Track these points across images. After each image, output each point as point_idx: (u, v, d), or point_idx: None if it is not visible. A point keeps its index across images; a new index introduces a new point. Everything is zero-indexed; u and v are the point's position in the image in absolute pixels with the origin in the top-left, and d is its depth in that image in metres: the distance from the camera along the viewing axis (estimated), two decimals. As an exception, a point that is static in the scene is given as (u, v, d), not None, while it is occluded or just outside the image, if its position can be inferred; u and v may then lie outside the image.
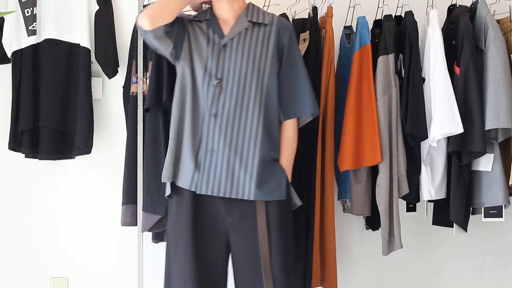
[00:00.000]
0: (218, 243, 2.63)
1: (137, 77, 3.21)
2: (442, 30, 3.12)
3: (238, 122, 2.61)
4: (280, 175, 2.64)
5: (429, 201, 3.25)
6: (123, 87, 3.37)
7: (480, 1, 3.16)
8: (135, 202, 3.20)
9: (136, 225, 3.20)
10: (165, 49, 2.71)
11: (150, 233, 3.25)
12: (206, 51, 2.68)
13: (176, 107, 2.70)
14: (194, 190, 2.62)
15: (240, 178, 2.59)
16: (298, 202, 2.71)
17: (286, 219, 2.66)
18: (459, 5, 3.24)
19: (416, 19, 3.13)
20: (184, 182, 2.64)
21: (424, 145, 3.12)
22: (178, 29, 2.71)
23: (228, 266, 2.67)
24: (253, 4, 2.77)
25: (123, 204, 3.24)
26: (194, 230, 2.62)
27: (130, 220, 3.22)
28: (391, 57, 3.08)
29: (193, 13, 2.85)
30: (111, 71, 3.41)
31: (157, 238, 3.24)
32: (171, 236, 2.69)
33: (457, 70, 3.10)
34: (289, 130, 2.70)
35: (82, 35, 3.36)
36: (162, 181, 2.70)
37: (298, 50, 2.75)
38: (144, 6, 3.22)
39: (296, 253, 3.13)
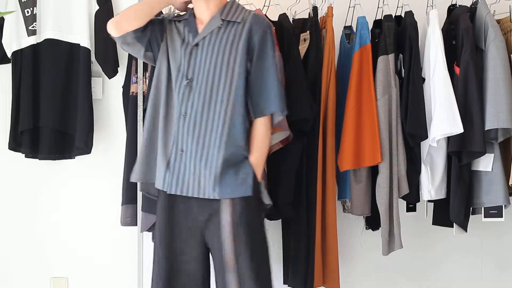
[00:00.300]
0: (194, 242, 2.63)
1: (137, 77, 3.21)
2: (442, 30, 3.12)
3: (206, 122, 2.60)
4: (246, 173, 2.61)
5: (429, 201, 3.25)
6: (122, 87, 3.37)
7: (480, 1, 3.16)
8: (134, 202, 3.20)
9: (136, 225, 3.20)
10: (136, 53, 2.76)
11: (150, 232, 3.25)
12: (180, 51, 2.69)
13: (149, 107, 2.73)
14: (165, 190, 2.65)
15: (205, 178, 2.59)
16: (267, 201, 2.69)
17: (254, 216, 2.63)
18: (459, 5, 3.24)
19: (416, 19, 3.13)
20: (158, 183, 2.69)
21: (424, 145, 3.12)
22: (153, 32, 2.72)
23: (209, 265, 2.69)
24: (233, 2, 2.74)
25: (122, 204, 3.25)
26: (168, 230, 2.65)
27: (130, 220, 3.23)
28: (391, 57, 3.08)
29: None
30: (111, 71, 3.41)
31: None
32: (155, 236, 2.77)
33: (457, 70, 3.10)
34: (259, 128, 2.66)
35: (82, 35, 3.36)
36: (130, 180, 2.79)
37: (271, 48, 2.67)
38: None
39: (297, 253, 3.14)
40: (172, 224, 2.65)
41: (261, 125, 2.66)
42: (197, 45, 2.66)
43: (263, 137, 2.67)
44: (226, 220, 2.58)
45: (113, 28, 2.68)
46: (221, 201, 2.60)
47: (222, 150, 2.58)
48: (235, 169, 2.60)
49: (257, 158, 2.64)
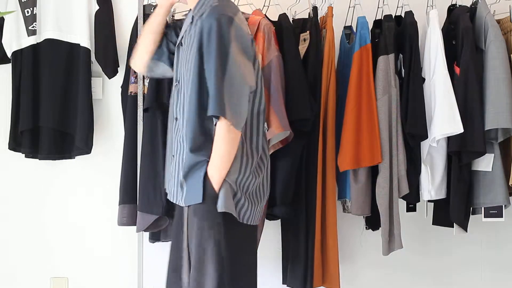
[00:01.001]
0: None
1: (135, 77, 3.21)
2: (442, 30, 3.12)
3: (184, 126, 2.52)
4: (197, 180, 2.47)
5: (429, 201, 3.25)
6: (121, 86, 3.37)
7: (480, 1, 3.17)
8: (131, 201, 3.20)
9: (133, 224, 3.20)
10: (166, 72, 2.73)
11: (147, 233, 3.25)
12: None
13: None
14: None
15: (179, 184, 2.54)
16: (219, 208, 2.44)
17: (202, 227, 2.48)
18: (459, 5, 3.24)
19: (416, 19, 3.13)
20: None
21: (424, 145, 3.12)
22: (170, 44, 2.69)
23: None
24: None
25: (119, 203, 3.24)
26: (174, 234, 2.67)
27: (126, 219, 3.22)
28: (391, 57, 3.08)
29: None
30: (111, 71, 3.40)
31: (153, 238, 3.23)
32: None
33: (457, 70, 3.10)
34: (216, 133, 2.44)
35: (82, 35, 3.36)
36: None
37: (217, 44, 2.40)
38: (144, 6, 3.22)
39: (296, 253, 3.14)
40: (176, 228, 2.65)
41: (217, 129, 2.44)
42: (181, 44, 2.60)
43: (217, 143, 2.44)
44: (184, 229, 2.53)
45: (136, 69, 2.75)
46: (183, 208, 2.54)
47: (187, 157, 2.50)
48: (197, 176, 2.48)
49: (211, 165, 2.45)
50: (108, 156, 3.50)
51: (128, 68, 3.31)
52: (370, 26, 3.18)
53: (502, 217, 3.16)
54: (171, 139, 2.62)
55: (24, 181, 3.53)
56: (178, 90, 2.57)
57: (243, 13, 3.19)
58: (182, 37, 2.60)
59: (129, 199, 3.20)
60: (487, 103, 3.06)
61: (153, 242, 3.25)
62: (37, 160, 3.41)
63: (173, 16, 3.27)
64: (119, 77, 3.41)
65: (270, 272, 3.46)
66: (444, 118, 3.00)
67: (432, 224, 3.34)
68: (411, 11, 3.16)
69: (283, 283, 3.24)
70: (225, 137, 2.43)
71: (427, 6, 3.21)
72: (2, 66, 3.44)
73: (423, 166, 3.12)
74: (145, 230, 3.15)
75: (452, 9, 3.27)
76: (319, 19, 3.21)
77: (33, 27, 3.36)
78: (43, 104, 3.34)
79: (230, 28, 2.43)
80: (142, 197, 3.12)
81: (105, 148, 3.51)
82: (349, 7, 3.30)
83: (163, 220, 3.13)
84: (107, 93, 3.53)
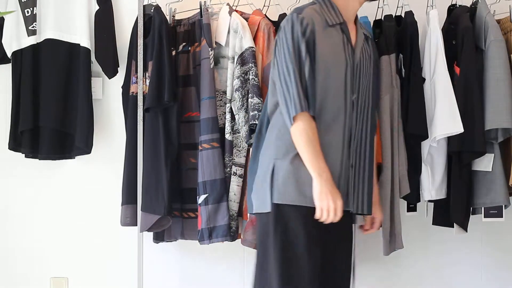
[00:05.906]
0: None
1: (136, 77, 3.21)
2: (442, 30, 3.12)
3: (370, 136, 2.63)
4: None
5: (429, 201, 3.25)
6: (122, 87, 3.37)
7: (480, 1, 3.17)
8: (134, 202, 3.20)
9: (136, 225, 3.20)
10: None
11: (151, 233, 3.25)
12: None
13: None
14: None
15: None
16: None
17: None
18: (459, 5, 3.24)
19: (416, 19, 3.13)
20: None
21: (425, 145, 3.12)
22: None
23: None
24: None
25: (122, 204, 3.24)
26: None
27: (130, 220, 3.23)
28: (392, 57, 3.08)
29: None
30: (111, 71, 3.40)
31: (158, 238, 3.24)
32: None
33: (457, 70, 3.10)
34: None
35: (82, 35, 3.36)
36: None
37: None
38: (144, 6, 3.22)
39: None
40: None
41: None
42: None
43: None
44: None
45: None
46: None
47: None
48: None
49: None
50: (108, 156, 3.50)
51: (128, 68, 3.32)
52: (370, 26, 3.18)
53: (502, 217, 3.16)
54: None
55: (24, 181, 3.53)
56: (357, 102, 2.52)
57: (243, 13, 3.21)
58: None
59: (132, 199, 3.20)
60: (487, 103, 3.06)
61: (157, 243, 3.25)
62: (37, 160, 3.41)
63: (173, 16, 3.28)
64: (119, 77, 3.41)
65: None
66: (444, 118, 3.01)
67: (432, 224, 3.34)
68: (411, 11, 3.16)
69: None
70: None
71: (427, 6, 3.21)
72: (2, 66, 3.44)
73: (423, 166, 3.12)
74: (148, 230, 3.15)
75: (452, 9, 3.27)
76: (319, 19, 3.20)
77: (33, 27, 3.36)
78: (43, 104, 3.34)
79: None
80: (145, 197, 3.12)
81: (105, 148, 3.51)
82: (349, 7, 3.29)
83: (166, 220, 3.13)
84: (107, 93, 3.53)
